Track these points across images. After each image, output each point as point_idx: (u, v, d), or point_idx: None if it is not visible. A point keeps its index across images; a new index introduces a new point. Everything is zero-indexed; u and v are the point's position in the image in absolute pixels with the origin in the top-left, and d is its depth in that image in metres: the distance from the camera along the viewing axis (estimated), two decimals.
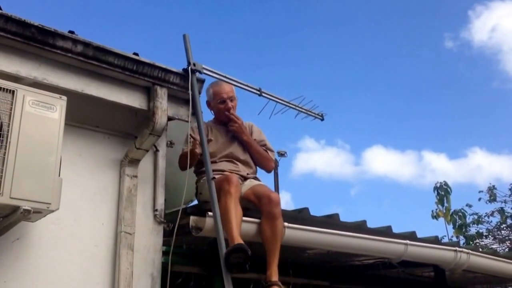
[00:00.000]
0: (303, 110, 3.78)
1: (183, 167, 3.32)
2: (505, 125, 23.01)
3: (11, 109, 2.28)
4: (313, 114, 3.86)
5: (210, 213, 2.94)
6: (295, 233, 3.19)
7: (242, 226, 2.99)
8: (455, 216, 11.08)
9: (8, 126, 2.26)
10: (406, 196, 23.43)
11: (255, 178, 3.37)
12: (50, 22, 2.59)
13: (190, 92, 2.98)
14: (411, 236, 4.11)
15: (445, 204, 11.35)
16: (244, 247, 2.69)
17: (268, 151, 3.49)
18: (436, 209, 11.33)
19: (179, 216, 2.95)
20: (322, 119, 3.93)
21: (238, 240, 2.77)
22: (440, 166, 22.83)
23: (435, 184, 11.39)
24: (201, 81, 3.16)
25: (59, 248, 2.73)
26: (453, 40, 24.68)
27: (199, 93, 3.12)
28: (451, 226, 11.17)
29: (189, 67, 3.06)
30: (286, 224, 3.15)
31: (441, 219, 11.26)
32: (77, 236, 2.81)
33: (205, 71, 3.17)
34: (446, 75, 24.56)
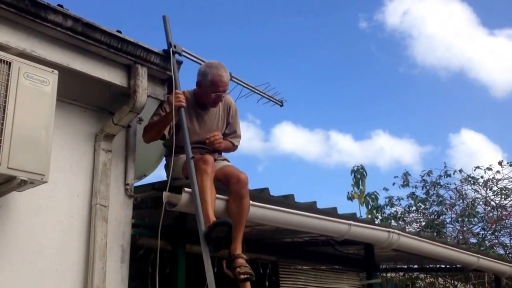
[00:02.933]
0: (266, 96, 4.00)
1: (149, 136, 3.40)
2: (407, 110, 24.27)
3: (7, 81, 2.31)
4: (274, 100, 4.10)
5: (186, 189, 3.09)
6: (258, 210, 3.43)
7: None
8: (368, 198, 11.76)
9: (5, 98, 2.29)
10: (313, 174, 24.04)
11: (225, 159, 3.54)
12: None
13: (171, 73, 3.10)
14: (353, 217, 4.49)
15: (360, 187, 12.03)
16: (229, 220, 2.89)
17: (235, 139, 3.61)
18: (352, 191, 11.99)
19: (165, 187, 3.04)
20: (282, 105, 4.18)
21: (214, 219, 2.94)
22: (346, 147, 23.76)
23: (353, 167, 12.01)
24: (179, 63, 3.27)
25: (37, 217, 2.79)
26: (367, 21, 25.10)
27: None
28: (364, 207, 11.91)
29: (170, 49, 3.16)
30: (251, 202, 3.37)
31: (355, 201, 11.95)
32: (54, 207, 2.88)
33: (184, 53, 3.29)
34: (357, 57, 25.00)
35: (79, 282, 2.88)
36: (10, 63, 2.34)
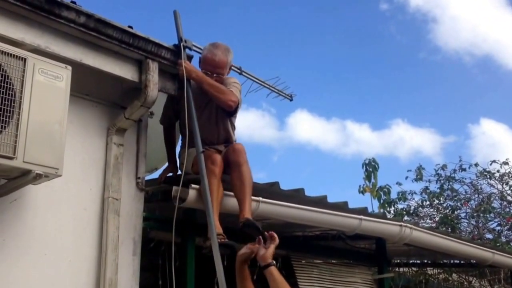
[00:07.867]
0: (276, 91, 4.03)
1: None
2: (428, 98, 22.90)
3: (23, 77, 2.37)
4: (283, 95, 4.12)
5: (193, 185, 3.13)
6: (268, 207, 3.46)
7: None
8: (380, 192, 11.63)
9: (21, 93, 2.35)
10: (329, 165, 23.23)
11: None
12: None
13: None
14: (364, 211, 4.50)
15: (372, 180, 11.87)
16: (233, 245, 2.95)
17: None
18: (364, 185, 11.86)
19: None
20: (291, 100, 4.20)
21: (218, 226, 2.99)
22: (363, 137, 22.76)
23: (364, 160, 11.79)
24: (190, 57, 3.31)
25: (52, 210, 2.85)
26: (389, 3, 23.84)
27: None
28: (376, 201, 11.76)
29: (181, 44, 3.20)
30: (260, 199, 3.39)
31: (367, 194, 11.80)
32: (68, 200, 2.94)
33: (194, 48, 3.33)
34: (375, 42, 23.54)
35: (92, 273, 2.95)
36: (25, 59, 2.39)
